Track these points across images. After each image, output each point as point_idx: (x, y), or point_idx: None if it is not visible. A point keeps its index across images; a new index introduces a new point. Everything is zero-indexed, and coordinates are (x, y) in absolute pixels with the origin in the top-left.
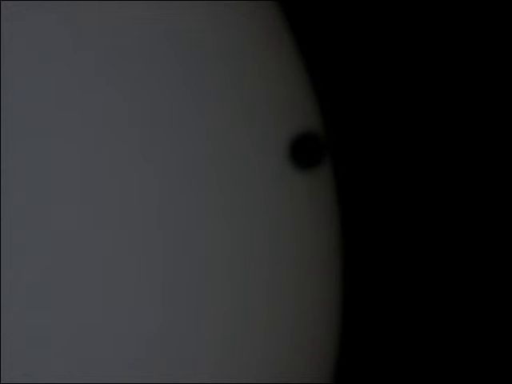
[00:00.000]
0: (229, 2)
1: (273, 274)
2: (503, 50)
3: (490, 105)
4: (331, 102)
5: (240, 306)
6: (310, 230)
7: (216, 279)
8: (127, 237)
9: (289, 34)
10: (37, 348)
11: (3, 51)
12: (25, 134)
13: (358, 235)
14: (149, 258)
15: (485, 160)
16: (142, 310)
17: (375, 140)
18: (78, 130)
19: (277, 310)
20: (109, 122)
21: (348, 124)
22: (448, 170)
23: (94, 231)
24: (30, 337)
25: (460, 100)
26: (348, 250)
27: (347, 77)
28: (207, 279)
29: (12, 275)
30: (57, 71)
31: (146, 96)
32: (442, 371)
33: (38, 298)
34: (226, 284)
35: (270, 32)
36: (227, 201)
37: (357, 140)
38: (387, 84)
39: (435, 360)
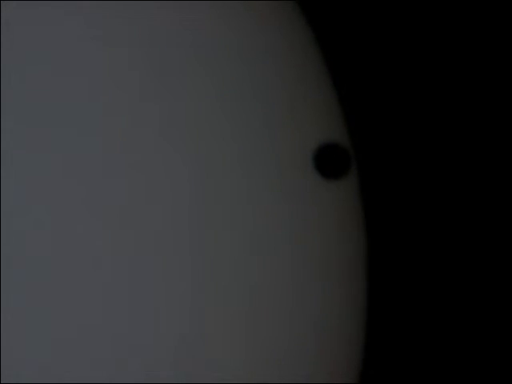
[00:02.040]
0: (249, 4)
1: (298, 283)
2: None
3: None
4: (357, 113)
5: (266, 310)
6: (335, 240)
7: (241, 285)
8: (153, 238)
9: (311, 38)
10: (46, 350)
11: (3, 51)
12: (26, 135)
13: (383, 245)
14: (172, 262)
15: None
16: (165, 311)
17: (401, 150)
18: (87, 130)
19: (302, 314)
20: (130, 129)
21: (374, 134)
22: (475, 182)
23: (114, 232)
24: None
25: (487, 109)
26: (373, 259)
27: (373, 86)
28: (232, 284)
29: (13, 275)
30: (57, 71)
31: (168, 105)
32: (466, 373)
33: (48, 299)
34: (251, 290)
35: (292, 38)
36: (253, 211)
37: (382, 150)
38: (414, 93)
39: (460, 362)
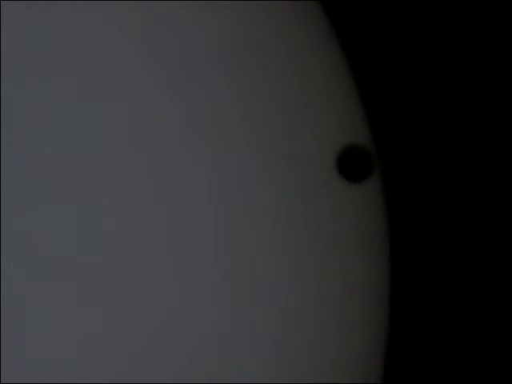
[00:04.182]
0: (271, 4)
1: (320, 285)
2: None
3: None
4: (380, 115)
5: (288, 311)
6: (358, 242)
7: (262, 286)
8: (175, 238)
9: (334, 39)
10: (47, 350)
11: (3, 51)
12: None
13: (406, 248)
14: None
15: None
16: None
17: (424, 153)
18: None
19: (325, 315)
20: (154, 130)
21: (397, 137)
22: (501, 184)
23: (135, 232)
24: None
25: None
26: (396, 262)
27: (396, 88)
28: (254, 285)
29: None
30: (58, 71)
31: (190, 107)
32: (491, 373)
33: (51, 299)
34: (273, 291)
35: (315, 38)
36: (276, 213)
37: (406, 153)
38: (439, 94)
39: (484, 361)
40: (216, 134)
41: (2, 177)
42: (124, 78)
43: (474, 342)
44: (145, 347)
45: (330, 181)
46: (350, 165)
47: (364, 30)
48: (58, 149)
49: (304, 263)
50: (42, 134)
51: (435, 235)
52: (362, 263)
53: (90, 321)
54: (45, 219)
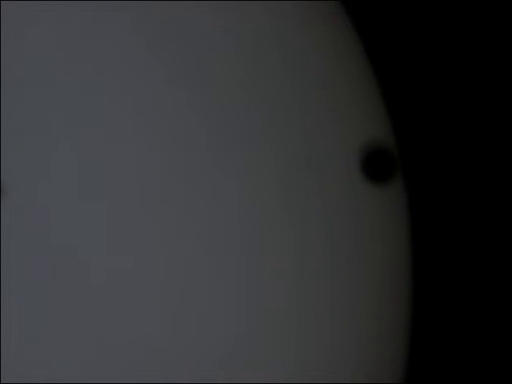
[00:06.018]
0: (292, 4)
1: (342, 285)
2: None
3: None
4: (403, 115)
5: (308, 310)
6: (380, 242)
7: (285, 286)
8: (207, 239)
9: (355, 39)
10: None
11: (3, 51)
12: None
13: (429, 248)
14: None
15: None
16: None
17: (448, 154)
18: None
19: (347, 315)
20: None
21: (421, 138)
22: None
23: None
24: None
25: None
26: (419, 262)
27: (420, 87)
28: (279, 286)
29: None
30: (59, 72)
31: (208, 108)
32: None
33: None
34: (294, 291)
35: (336, 39)
36: (299, 214)
37: (429, 154)
38: (463, 94)
39: (506, 362)
40: (238, 133)
41: (2, 176)
42: (127, 78)
43: (496, 344)
44: (158, 350)
45: (353, 181)
46: (374, 166)
47: (385, 29)
48: (59, 149)
49: (326, 263)
50: (42, 134)
51: (459, 236)
52: (384, 263)
53: (100, 322)
54: (44, 217)
